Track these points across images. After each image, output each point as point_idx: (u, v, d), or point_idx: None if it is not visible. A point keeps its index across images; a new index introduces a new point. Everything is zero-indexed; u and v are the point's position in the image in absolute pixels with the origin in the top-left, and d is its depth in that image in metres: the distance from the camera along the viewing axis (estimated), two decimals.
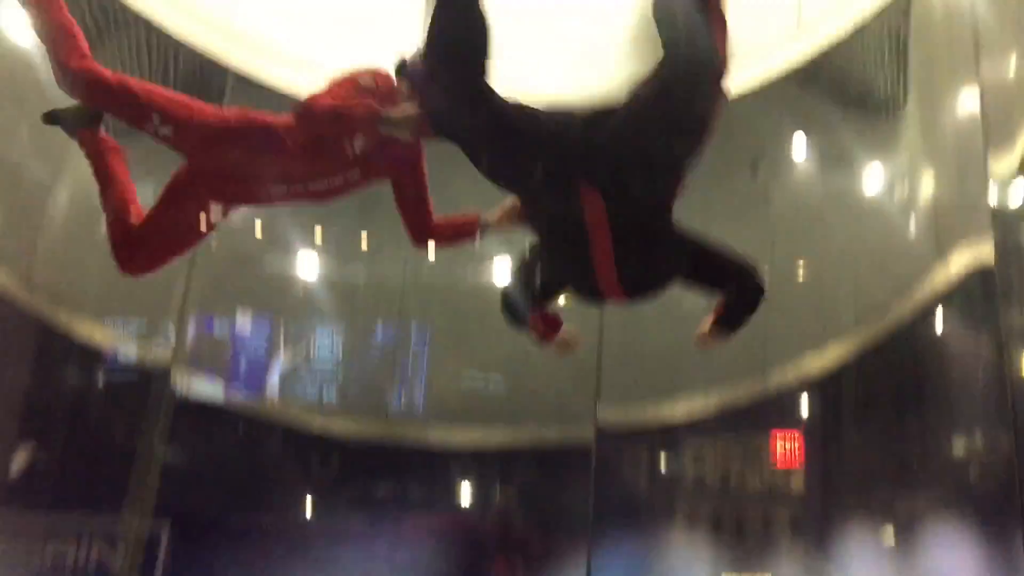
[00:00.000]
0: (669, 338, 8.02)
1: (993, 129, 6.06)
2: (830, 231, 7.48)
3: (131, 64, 7.52)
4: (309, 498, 8.34)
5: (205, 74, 7.93)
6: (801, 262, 7.70)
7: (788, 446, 7.42)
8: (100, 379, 7.39)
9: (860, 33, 7.37)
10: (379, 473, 8.28)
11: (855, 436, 7.25)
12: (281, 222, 8.39)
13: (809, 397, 7.64)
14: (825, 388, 7.50)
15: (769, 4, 7.16)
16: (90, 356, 7.30)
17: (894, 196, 7.02)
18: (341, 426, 8.37)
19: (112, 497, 6.84)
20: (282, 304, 8.44)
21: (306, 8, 8.40)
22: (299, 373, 8.26)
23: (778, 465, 7.48)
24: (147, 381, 7.43)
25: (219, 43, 8.06)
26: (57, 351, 7.19)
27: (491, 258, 8.67)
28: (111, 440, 7.23)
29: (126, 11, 7.37)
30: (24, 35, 6.64)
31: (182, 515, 7.16)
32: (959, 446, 6.87)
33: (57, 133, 3.36)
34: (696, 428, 7.79)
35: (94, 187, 3.40)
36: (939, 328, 6.88)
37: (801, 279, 7.66)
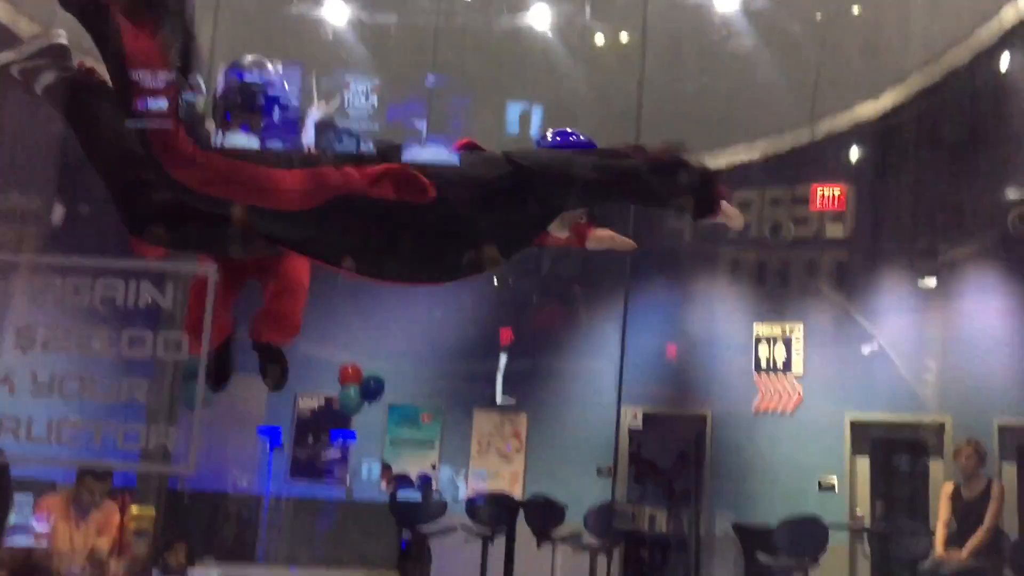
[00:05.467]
0: (715, 84, 7.69)
1: None
2: None
3: None
4: None
5: None
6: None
7: (829, 194, 7.23)
8: None
9: None
10: None
11: (905, 183, 7.05)
12: None
13: (860, 144, 7.38)
14: (876, 135, 7.23)
15: None
16: None
17: None
18: None
19: None
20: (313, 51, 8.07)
21: None
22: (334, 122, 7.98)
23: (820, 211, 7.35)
24: None
25: None
26: None
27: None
28: None
29: None
30: None
31: None
32: (1012, 192, 6.69)
33: None
34: (739, 177, 7.53)
35: None
36: (1003, 68, 6.52)
37: (855, 17, 7.11)
